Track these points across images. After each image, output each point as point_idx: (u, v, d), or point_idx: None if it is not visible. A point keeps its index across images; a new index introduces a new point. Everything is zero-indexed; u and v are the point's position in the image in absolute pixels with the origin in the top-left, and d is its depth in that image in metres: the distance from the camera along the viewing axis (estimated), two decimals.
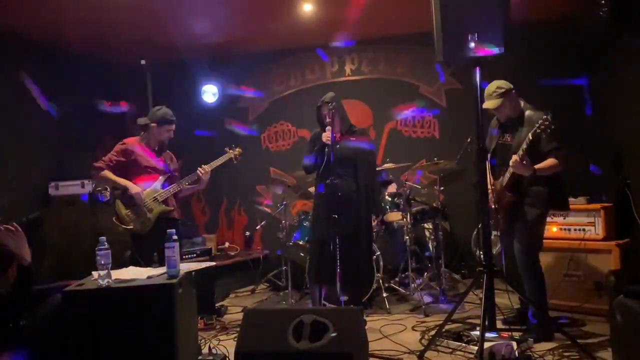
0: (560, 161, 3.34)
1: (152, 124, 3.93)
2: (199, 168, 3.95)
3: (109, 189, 3.89)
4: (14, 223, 2.67)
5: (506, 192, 3.52)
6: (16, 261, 2.68)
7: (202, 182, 3.99)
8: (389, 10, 5.06)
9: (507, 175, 3.46)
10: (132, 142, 3.93)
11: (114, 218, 3.78)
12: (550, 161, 3.34)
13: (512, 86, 3.51)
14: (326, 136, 3.77)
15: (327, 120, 3.82)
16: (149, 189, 3.85)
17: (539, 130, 3.11)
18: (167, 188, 3.91)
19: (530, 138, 3.19)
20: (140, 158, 3.88)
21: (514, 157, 3.28)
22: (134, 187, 3.79)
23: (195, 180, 3.97)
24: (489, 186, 3.59)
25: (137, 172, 3.86)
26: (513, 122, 3.54)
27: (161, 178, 3.91)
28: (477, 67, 3.15)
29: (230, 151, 4.16)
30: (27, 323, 2.72)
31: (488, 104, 3.49)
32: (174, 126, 3.99)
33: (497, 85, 3.51)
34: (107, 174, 3.82)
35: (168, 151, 4.11)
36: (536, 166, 3.30)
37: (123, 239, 3.84)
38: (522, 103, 3.55)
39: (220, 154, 4.14)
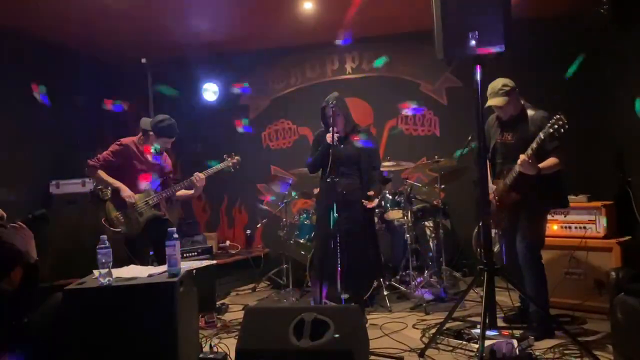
0: (562, 160, 3.34)
1: (151, 133, 3.91)
2: (194, 175, 3.93)
3: (110, 188, 3.88)
4: (20, 222, 2.68)
5: (510, 192, 3.51)
6: (22, 259, 2.69)
7: (197, 189, 3.96)
8: (389, 8, 5.05)
9: (513, 174, 3.45)
10: (129, 143, 3.91)
11: (102, 220, 3.75)
12: (552, 160, 3.34)
13: (515, 85, 3.50)
14: (329, 137, 3.79)
15: (330, 119, 3.82)
16: (142, 193, 3.83)
17: (552, 130, 3.08)
18: (160, 192, 3.89)
19: (542, 137, 3.16)
20: (136, 160, 3.87)
21: (522, 157, 3.27)
22: (126, 190, 3.77)
23: (189, 186, 3.95)
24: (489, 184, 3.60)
25: (130, 173, 3.84)
26: (513, 120, 3.54)
27: (155, 181, 3.89)
28: (478, 65, 3.14)
29: (229, 159, 4.11)
30: (29, 321, 2.72)
31: (494, 102, 3.46)
32: (173, 140, 3.97)
33: (503, 83, 3.47)
34: (101, 174, 3.80)
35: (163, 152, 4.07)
36: (540, 165, 3.30)
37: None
38: (522, 101, 3.54)
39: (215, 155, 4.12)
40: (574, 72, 4.87)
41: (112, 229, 3.72)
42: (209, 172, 3.99)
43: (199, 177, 3.92)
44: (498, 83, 3.49)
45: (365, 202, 3.97)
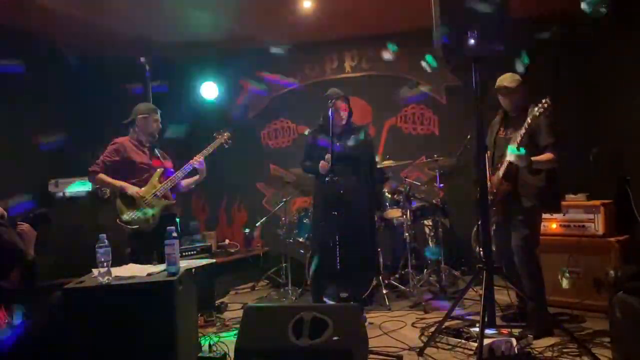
0: (557, 157, 3.34)
1: (139, 116, 3.90)
2: (192, 159, 3.93)
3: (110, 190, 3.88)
4: (21, 221, 2.69)
5: (502, 182, 3.52)
6: (23, 258, 2.71)
7: (201, 172, 3.97)
8: (388, 6, 5.05)
9: (505, 164, 3.47)
10: (124, 141, 3.90)
11: (117, 220, 3.75)
12: (547, 155, 3.35)
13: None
14: (322, 166, 3.79)
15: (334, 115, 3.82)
16: (147, 186, 3.83)
17: (537, 114, 3.13)
18: (165, 182, 3.89)
19: (529, 122, 3.20)
20: (134, 155, 3.85)
21: (510, 146, 3.30)
22: (130, 187, 3.75)
23: (191, 171, 3.95)
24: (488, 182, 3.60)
25: (132, 170, 3.82)
26: (516, 117, 3.55)
27: (157, 173, 3.89)
28: (477, 64, 3.15)
29: (220, 137, 4.11)
30: (28, 319, 2.73)
31: (505, 82, 3.53)
32: (159, 115, 3.97)
33: (512, 74, 3.57)
34: (102, 177, 3.78)
35: (160, 150, 4.07)
36: (533, 158, 3.31)
37: (123, 237, 3.82)
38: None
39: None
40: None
41: (129, 227, 3.71)
42: (206, 153, 4.00)
43: (197, 159, 3.93)
44: (508, 74, 3.58)
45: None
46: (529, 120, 3.20)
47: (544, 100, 3.12)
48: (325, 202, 3.80)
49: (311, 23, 5.39)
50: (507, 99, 3.58)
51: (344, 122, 3.95)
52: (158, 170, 3.90)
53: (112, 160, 3.82)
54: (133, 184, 3.79)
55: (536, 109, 3.15)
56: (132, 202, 3.76)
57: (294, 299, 4.75)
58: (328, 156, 3.76)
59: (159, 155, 4.02)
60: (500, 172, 3.52)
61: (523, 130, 3.24)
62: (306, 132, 4.26)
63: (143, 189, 3.80)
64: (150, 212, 3.77)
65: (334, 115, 3.82)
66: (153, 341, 2.52)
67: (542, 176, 3.40)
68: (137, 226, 3.73)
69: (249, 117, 6.55)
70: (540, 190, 3.41)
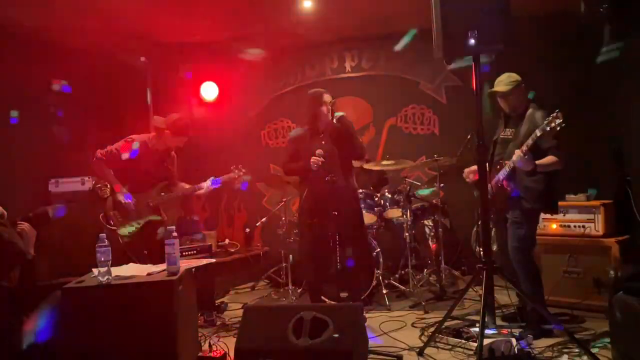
0: (560, 159, 3.34)
1: (167, 131, 3.82)
2: (202, 184, 3.96)
3: (109, 187, 3.85)
4: (21, 221, 2.70)
5: (503, 184, 3.52)
6: (23, 258, 2.71)
7: (202, 192, 4.02)
8: (388, 6, 5.05)
9: (507, 168, 3.47)
10: (140, 140, 3.83)
11: (100, 215, 3.71)
12: (550, 158, 3.35)
13: (521, 80, 3.54)
14: (314, 162, 3.76)
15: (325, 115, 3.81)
16: (143, 193, 3.80)
17: (548, 129, 3.09)
18: (164, 195, 3.86)
19: (538, 135, 3.17)
20: (145, 159, 3.80)
21: (517, 152, 3.29)
22: (122, 195, 3.71)
23: (194, 189, 3.96)
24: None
25: (135, 172, 3.79)
26: (517, 117, 3.55)
27: (159, 185, 3.87)
28: (477, 64, 3.14)
29: (237, 171, 4.06)
30: (28, 318, 2.73)
31: (498, 87, 3.53)
32: (185, 139, 3.91)
33: (509, 75, 3.55)
34: (106, 170, 3.74)
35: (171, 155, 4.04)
36: (537, 162, 3.31)
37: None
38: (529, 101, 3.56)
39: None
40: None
41: (108, 226, 3.69)
42: (218, 183, 3.98)
43: (205, 186, 3.97)
44: (504, 76, 3.56)
45: None
46: (537, 132, 3.16)
47: (555, 114, 3.06)
48: (315, 203, 3.78)
49: (311, 23, 5.38)
50: (504, 101, 3.59)
51: (329, 119, 3.93)
52: (160, 182, 3.87)
53: (121, 155, 3.75)
54: (133, 186, 3.77)
55: (545, 122, 3.10)
56: (121, 204, 3.73)
57: (294, 299, 4.75)
58: (319, 151, 3.74)
59: (167, 162, 3.98)
60: (501, 176, 3.52)
61: (530, 141, 3.22)
62: (291, 133, 4.22)
63: (138, 195, 3.76)
64: (136, 219, 3.74)
65: (323, 112, 3.82)
66: (153, 341, 2.52)
67: (540, 177, 3.40)
68: (115, 228, 3.71)
69: (249, 117, 6.54)
70: (538, 190, 3.41)
